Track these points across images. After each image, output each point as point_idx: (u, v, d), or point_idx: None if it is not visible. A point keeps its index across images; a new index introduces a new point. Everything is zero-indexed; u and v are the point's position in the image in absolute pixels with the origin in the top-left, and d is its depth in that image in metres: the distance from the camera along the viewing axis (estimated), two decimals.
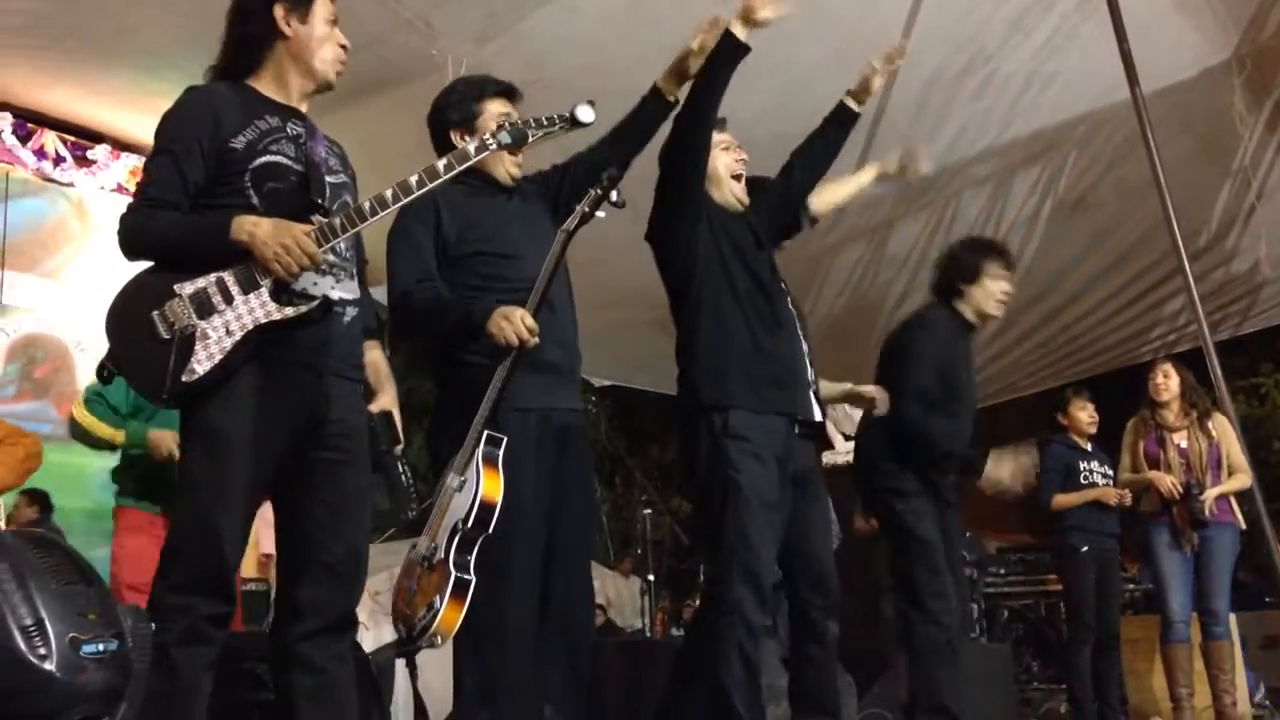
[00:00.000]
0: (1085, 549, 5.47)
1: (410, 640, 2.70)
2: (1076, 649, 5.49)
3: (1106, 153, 6.07)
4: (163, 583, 2.24)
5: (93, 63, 5.59)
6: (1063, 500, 5.54)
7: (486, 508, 2.65)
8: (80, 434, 4.21)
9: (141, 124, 5.94)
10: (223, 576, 2.29)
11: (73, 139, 6.63)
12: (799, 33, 4.94)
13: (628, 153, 3.18)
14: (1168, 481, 5.21)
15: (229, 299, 2.34)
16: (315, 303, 2.38)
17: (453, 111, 3.13)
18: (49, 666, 1.81)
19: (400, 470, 3.94)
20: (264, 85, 2.56)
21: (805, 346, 3.58)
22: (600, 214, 2.83)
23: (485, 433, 2.73)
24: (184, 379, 2.30)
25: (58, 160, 6.59)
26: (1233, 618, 5.35)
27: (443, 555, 2.65)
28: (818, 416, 3.51)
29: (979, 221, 6.55)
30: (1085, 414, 5.72)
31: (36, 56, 5.62)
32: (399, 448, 3.21)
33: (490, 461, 2.70)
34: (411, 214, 2.97)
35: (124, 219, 2.46)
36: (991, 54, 5.41)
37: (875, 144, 5.27)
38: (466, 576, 2.62)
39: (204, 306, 2.34)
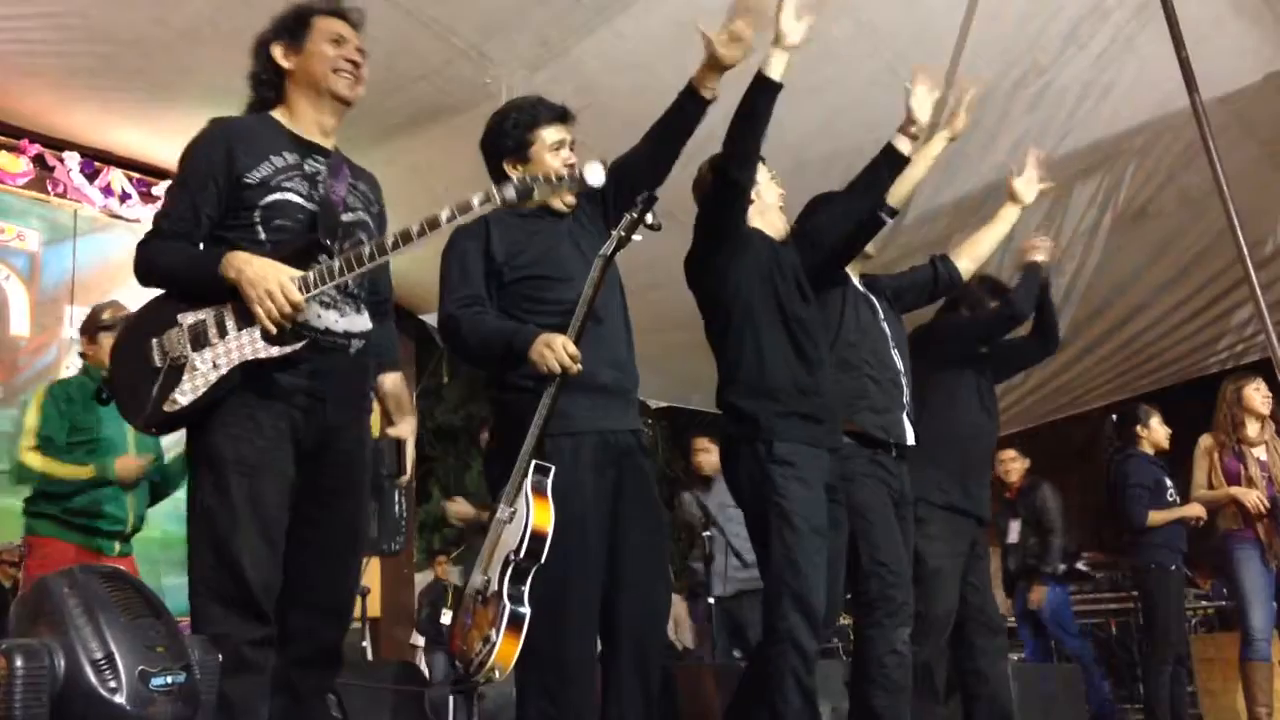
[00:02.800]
0: (1174, 568, 5.37)
1: (468, 676, 2.67)
2: (1159, 668, 5.36)
3: (1167, 162, 5.97)
4: (195, 616, 2.27)
5: (158, 102, 5.72)
6: (1158, 517, 5.42)
7: (538, 538, 2.62)
8: (31, 478, 4.10)
9: None
10: (252, 600, 2.30)
11: (138, 175, 6.78)
12: (848, 51, 4.93)
13: (668, 155, 3.06)
14: (1253, 497, 5.10)
15: (223, 333, 2.37)
16: (303, 343, 2.39)
17: (506, 139, 3.08)
18: (119, 699, 1.84)
19: (396, 500, 3.94)
20: (286, 119, 2.60)
21: (901, 365, 3.57)
22: (637, 237, 2.78)
23: (533, 461, 2.69)
24: (165, 409, 2.34)
25: (124, 197, 6.74)
26: None
27: (496, 588, 2.62)
28: (910, 439, 3.50)
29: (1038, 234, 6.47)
30: (1165, 429, 5.63)
31: (104, 97, 5.76)
32: (404, 479, 3.22)
33: (539, 490, 2.67)
34: (462, 233, 2.95)
35: (139, 247, 2.50)
36: (1046, 66, 5.35)
37: None
38: (521, 609, 2.59)
39: (199, 338, 2.37)
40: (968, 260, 3.89)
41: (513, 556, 2.62)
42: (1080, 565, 7.12)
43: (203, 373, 2.34)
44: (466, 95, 5.16)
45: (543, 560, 2.63)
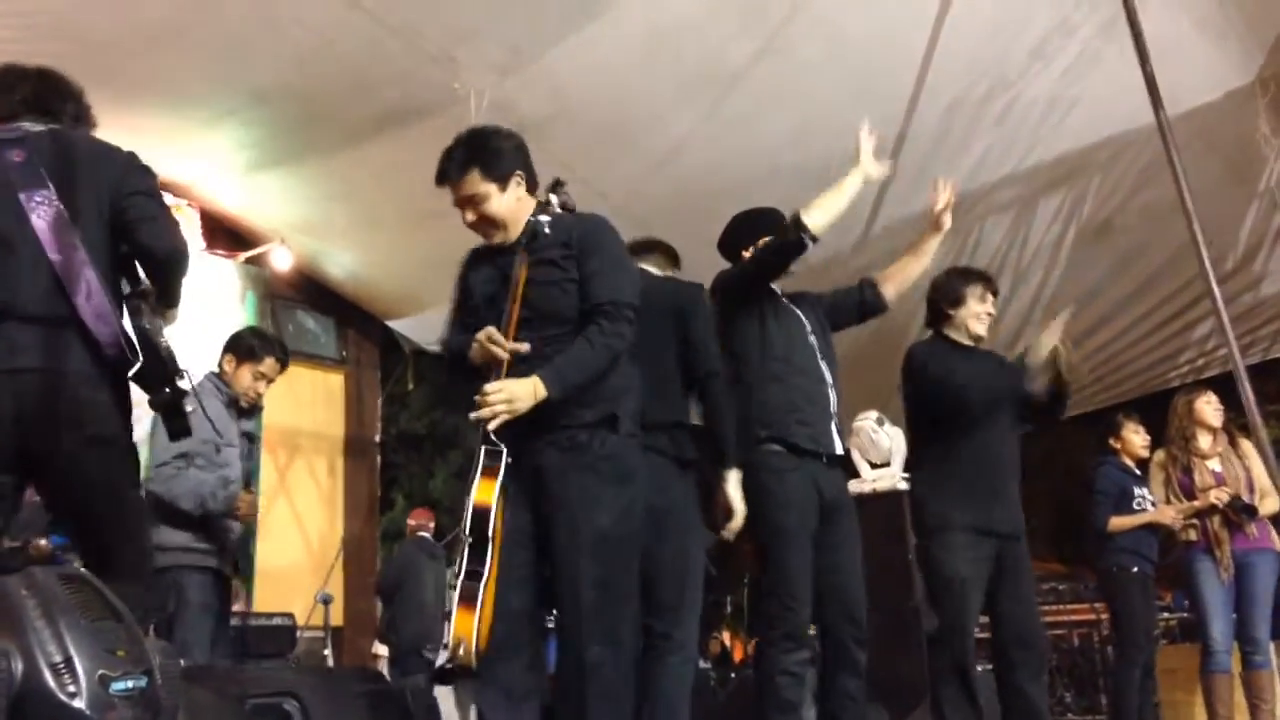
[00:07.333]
0: (1135, 569, 5.41)
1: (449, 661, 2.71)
2: (1126, 670, 5.35)
3: (1131, 176, 6.04)
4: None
5: (122, 104, 5.66)
6: (1119, 523, 5.45)
7: (479, 513, 2.66)
8: None
9: (172, 160, 5.98)
10: None
11: None
12: (818, 62, 4.95)
13: None
14: (1213, 494, 5.17)
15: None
16: None
17: None
18: (79, 704, 1.80)
19: None
20: None
21: (829, 376, 3.65)
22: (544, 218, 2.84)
23: (484, 447, 2.72)
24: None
25: None
26: (1271, 646, 5.27)
27: (457, 569, 2.69)
28: (838, 449, 3.60)
29: (1002, 248, 6.52)
30: (1139, 437, 5.65)
31: None
32: None
33: (487, 471, 2.70)
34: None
35: None
36: (1013, 80, 5.40)
37: (897, 174, 5.25)
38: (470, 582, 2.64)
39: None
40: (893, 288, 3.99)
41: (464, 535, 2.68)
42: None
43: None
44: (436, 100, 5.14)
45: (488, 535, 2.65)
